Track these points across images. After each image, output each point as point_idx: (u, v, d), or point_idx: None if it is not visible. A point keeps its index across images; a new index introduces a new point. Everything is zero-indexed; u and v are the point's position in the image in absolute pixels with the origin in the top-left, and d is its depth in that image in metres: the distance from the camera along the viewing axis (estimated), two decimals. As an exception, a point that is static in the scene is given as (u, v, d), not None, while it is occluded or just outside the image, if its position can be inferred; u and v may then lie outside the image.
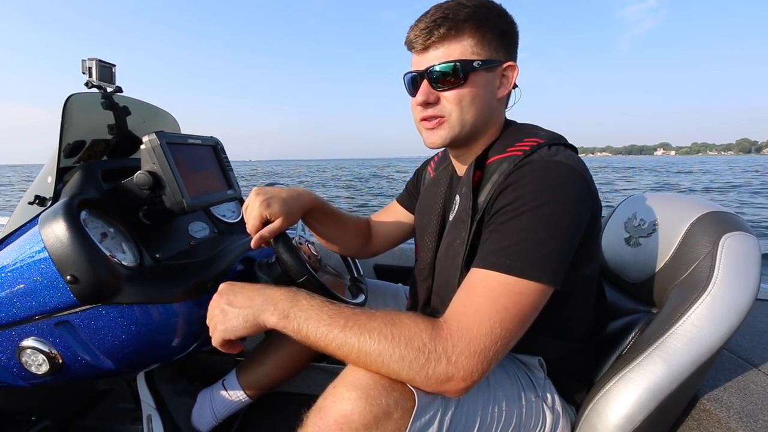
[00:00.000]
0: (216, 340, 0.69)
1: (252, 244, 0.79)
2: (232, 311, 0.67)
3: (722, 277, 0.71)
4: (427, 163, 1.04)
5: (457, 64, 0.69)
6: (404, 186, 1.11)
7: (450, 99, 0.71)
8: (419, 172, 1.06)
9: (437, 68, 0.70)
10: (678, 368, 0.68)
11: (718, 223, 0.77)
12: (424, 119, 0.75)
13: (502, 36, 0.72)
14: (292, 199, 0.83)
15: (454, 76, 0.70)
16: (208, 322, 0.71)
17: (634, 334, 0.83)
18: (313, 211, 0.91)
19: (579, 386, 0.81)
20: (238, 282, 0.72)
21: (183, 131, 1.26)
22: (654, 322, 0.77)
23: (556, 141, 0.70)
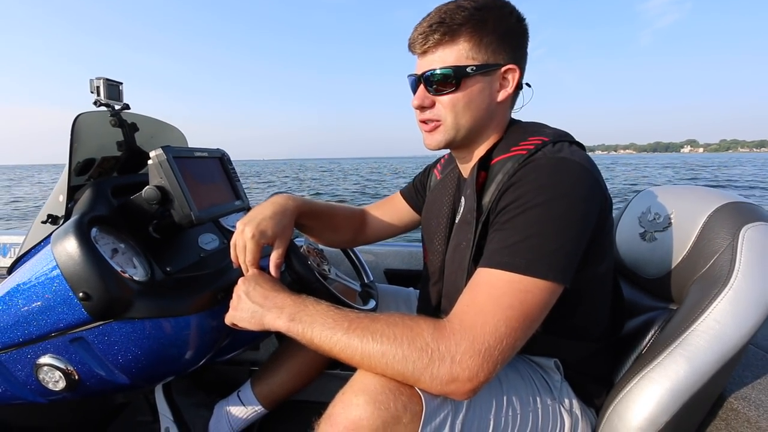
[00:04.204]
0: (227, 320, 0.75)
1: (273, 272, 0.78)
2: (245, 302, 0.71)
3: (744, 270, 0.68)
4: (434, 164, 1.03)
5: (450, 70, 0.69)
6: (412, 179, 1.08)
7: (444, 104, 0.72)
8: (428, 170, 1.04)
9: (431, 74, 0.71)
10: (702, 367, 0.66)
11: (737, 215, 0.74)
12: (422, 122, 0.76)
13: (503, 38, 0.70)
14: (280, 214, 0.81)
15: (447, 82, 0.70)
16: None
17: (653, 332, 0.81)
18: (299, 216, 0.90)
19: (598, 388, 0.78)
20: (265, 274, 0.76)
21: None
22: (674, 319, 0.75)
23: (561, 138, 0.69)
